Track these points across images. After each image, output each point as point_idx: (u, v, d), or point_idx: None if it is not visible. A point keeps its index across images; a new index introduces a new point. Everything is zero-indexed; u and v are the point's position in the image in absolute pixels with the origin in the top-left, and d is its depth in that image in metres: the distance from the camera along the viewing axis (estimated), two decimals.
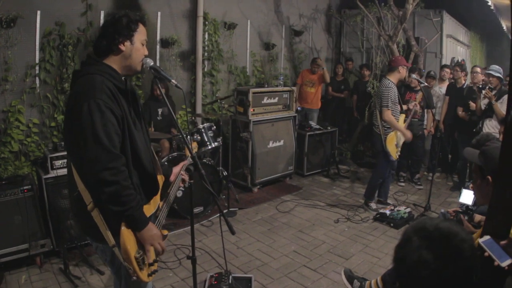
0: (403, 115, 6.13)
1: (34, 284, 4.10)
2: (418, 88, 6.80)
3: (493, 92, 6.23)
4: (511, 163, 1.92)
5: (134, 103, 2.47)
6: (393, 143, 5.95)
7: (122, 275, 2.48)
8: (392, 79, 5.89)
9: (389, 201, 6.56)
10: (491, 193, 2.26)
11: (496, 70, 6.45)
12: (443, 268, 1.46)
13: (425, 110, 7.34)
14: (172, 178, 2.86)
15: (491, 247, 1.88)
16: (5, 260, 4.19)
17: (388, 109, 5.77)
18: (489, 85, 6.36)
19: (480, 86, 6.43)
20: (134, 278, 2.29)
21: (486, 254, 1.87)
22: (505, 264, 1.83)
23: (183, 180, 2.87)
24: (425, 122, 7.53)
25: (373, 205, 6.35)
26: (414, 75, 6.29)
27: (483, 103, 6.43)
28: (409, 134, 6.02)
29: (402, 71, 5.90)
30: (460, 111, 7.15)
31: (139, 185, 2.42)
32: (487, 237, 1.95)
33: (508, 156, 2.01)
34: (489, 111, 6.34)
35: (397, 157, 6.10)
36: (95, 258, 4.49)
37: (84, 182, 2.23)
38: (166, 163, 5.50)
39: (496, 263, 1.84)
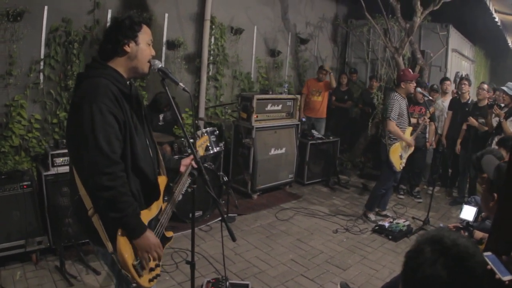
0: (410, 128, 6.14)
1: (29, 281, 4.06)
2: (422, 101, 6.80)
3: (504, 110, 6.19)
4: None
5: (137, 108, 2.46)
6: (397, 154, 5.95)
7: (124, 279, 2.45)
8: (399, 92, 5.96)
9: (388, 213, 6.54)
10: (495, 211, 2.25)
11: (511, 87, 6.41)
12: (453, 286, 1.43)
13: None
14: (182, 169, 2.83)
15: (493, 262, 1.90)
16: (1, 256, 4.15)
17: (391, 120, 5.80)
18: (498, 103, 6.34)
19: (489, 103, 6.39)
20: (134, 285, 2.27)
21: (488, 267, 1.87)
22: (506, 279, 1.84)
23: (191, 174, 2.81)
24: (427, 135, 7.51)
25: (372, 216, 6.33)
26: (419, 89, 6.28)
27: (495, 120, 6.39)
28: (413, 143, 6.08)
29: (406, 86, 5.93)
30: (465, 127, 7.14)
31: (140, 191, 2.40)
32: (489, 253, 1.97)
33: None
34: (499, 129, 6.29)
35: (401, 168, 6.09)
36: (92, 258, 4.45)
37: (84, 186, 2.21)
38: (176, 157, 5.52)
39: (497, 276, 1.84)
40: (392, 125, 5.82)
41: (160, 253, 2.40)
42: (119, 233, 2.20)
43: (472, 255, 1.47)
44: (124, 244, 2.21)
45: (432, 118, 7.00)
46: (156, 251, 2.35)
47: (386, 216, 6.41)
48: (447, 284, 1.43)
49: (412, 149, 6.23)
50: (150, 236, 2.32)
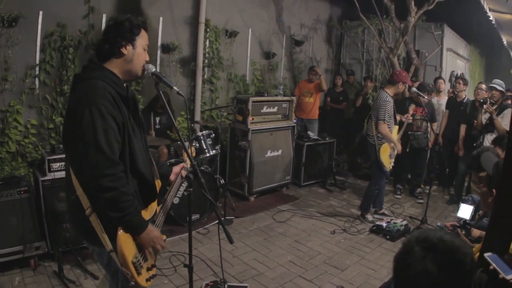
0: (397, 127, 6.18)
1: (27, 286, 4.05)
2: (424, 103, 6.81)
3: (494, 107, 6.24)
4: None
5: (134, 110, 2.47)
6: (387, 154, 5.99)
7: (119, 279, 2.46)
8: (390, 92, 5.94)
9: (385, 213, 6.55)
10: (493, 208, 2.27)
11: (499, 84, 6.49)
12: (445, 280, 1.46)
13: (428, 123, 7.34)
14: (172, 177, 2.85)
15: (495, 261, 1.91)
16: None
17: (384, 122, 5.81)
18: (490, 100, 6.37)
19: (482, 100, 6.42)
20: (132, 283, 2.27)
21: (491, 267, 1.89)
22: (510, 277, 1.86)
23: (187, 178, 2.81)
24: (429, 136, 7.51)
25: (369, 217, 6.34)
26: (414, 89, 6.29)
27: (484, 117, 6.42)
28: (399, 147, 6.12)
29: (401, 87, 5.94)
30: (462, 131, 7.14)
31: (137, 191, 2.41)
32: (490, 253, 1.98)
33: (510, 174, 2.02)
34: (490, 126, 6.33)
35: (391, 167, 6.13)
36: (90, 262, 4.45)
37: (83, 187, 2.21)
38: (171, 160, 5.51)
39: (501, 276, 1.86)
40: (384, 128, 5.83)
41: (163, 245, 2.45)
42: (120, 230, 2.21)
43: (458, 247, 1.50)
44: (124, 241, 2.22)
45: (432, 119, 7.03)
46: (159, 244, 2.40)
47: (384, 215, 6.42)
48: (438, 279, 1.45)
49: (400, 148, 6.22)
50: (152, 230, 2.37)
